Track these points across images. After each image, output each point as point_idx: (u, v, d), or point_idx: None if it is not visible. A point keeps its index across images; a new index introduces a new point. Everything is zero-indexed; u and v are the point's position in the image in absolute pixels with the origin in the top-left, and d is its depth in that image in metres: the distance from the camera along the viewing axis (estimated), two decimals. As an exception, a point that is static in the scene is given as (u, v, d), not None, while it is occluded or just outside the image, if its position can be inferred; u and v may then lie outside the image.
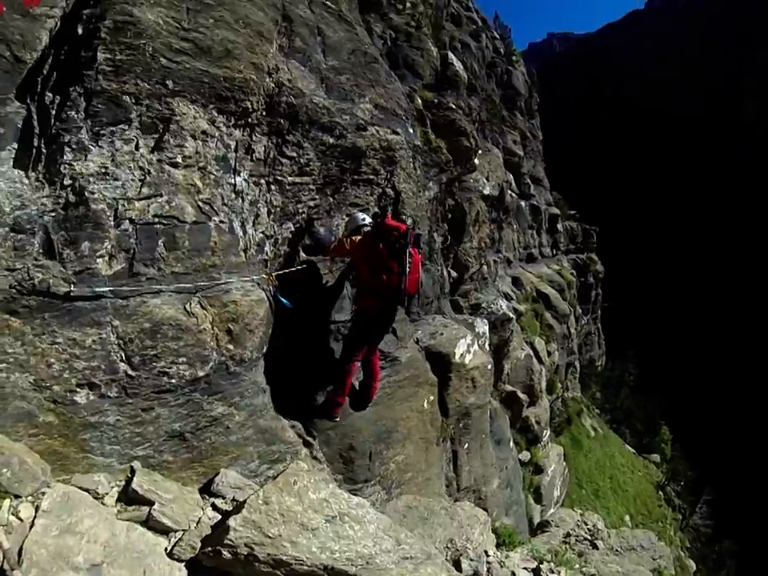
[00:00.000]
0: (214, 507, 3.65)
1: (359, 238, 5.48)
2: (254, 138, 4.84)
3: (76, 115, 3.52)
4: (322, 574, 3.23)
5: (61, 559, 2.66)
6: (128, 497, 3.40)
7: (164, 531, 3.27)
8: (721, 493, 36.13)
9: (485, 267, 15.91)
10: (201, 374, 4.06)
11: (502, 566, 4.81)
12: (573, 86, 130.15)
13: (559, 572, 4.94)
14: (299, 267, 5.60)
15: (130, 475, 3.56)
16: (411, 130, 7.71)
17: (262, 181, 5.04)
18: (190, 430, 4.01)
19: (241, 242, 4.75)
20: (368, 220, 5.77)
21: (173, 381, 3.89)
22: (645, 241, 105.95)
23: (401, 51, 11.26)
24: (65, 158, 3.48)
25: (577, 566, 5.48)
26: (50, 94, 3.50)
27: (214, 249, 4.35)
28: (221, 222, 4.46)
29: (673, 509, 30.57)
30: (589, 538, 8.63)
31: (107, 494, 3.39)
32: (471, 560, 4.75)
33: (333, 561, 3.25)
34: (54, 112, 3.48)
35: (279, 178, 5.21)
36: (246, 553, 3.07)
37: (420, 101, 9.06)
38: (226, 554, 3.05)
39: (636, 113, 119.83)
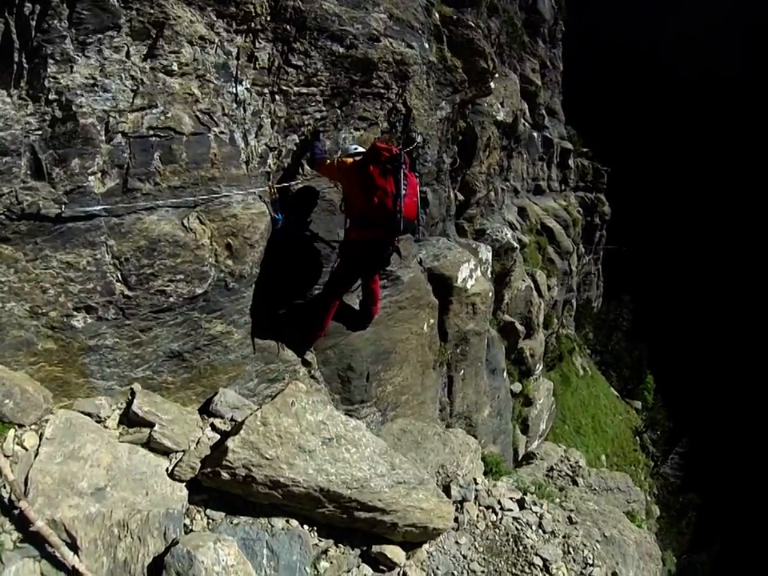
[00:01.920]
0: (213, 427, 3.68)
1: (350, 160, 5.04)
2: (257, 44, 4.46)
3: (59, 24, 3.17)
4: (318, 496, 3.29)
5: (66, 486, 2.70)
6: (129, 419, 3.42)
7: (165, 452, 3.31)
8: (694, 447, 37.74)
9: (492, 194, 15.57)
10: (199, 291, 3.97)
11: (489, 495, 4.95)
12: (604, 19, 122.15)
13: (542, 504, 5.10)
14: (299, 183, 5.38)
15: (130, 397, 3.57)
16: (427, 45, 7.23)
17: (266, 90, 4.72)
18: (188, 350, 3.98)
19: (242, 154, 4.51)
20: (360, 149, 5.36)
21: (171, 299, 3.81)
22: (656, 190, 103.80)
23: None
24: (48, 71, 3.17)
25: (558, 500, 5.68)
26: (29, 4, 3.11)
27: (214, 161, 4.12)
28: (221, 132, 4.20)
29: (646, 455, 32.10)
30: (570, 474, 8.96)
31: (109, 417, 3.41)
32: (461, 486, 4.87)
33: (329, 483, 3.32)
34: (34, 23, 3.12)
35: (284, 87, 4.88)
36: (244, 474, 3.11)
37: (438, 15, 8.38)
38: (224, 474, 3.10)
39: (667, 59, 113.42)
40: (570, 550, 4.60)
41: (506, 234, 15.26)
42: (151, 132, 3.67)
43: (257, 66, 4.53)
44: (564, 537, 4.73)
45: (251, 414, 3.41)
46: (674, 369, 62.85)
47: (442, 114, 8.01)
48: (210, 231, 4.06)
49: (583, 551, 4.64)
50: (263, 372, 4.67)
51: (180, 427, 3.49)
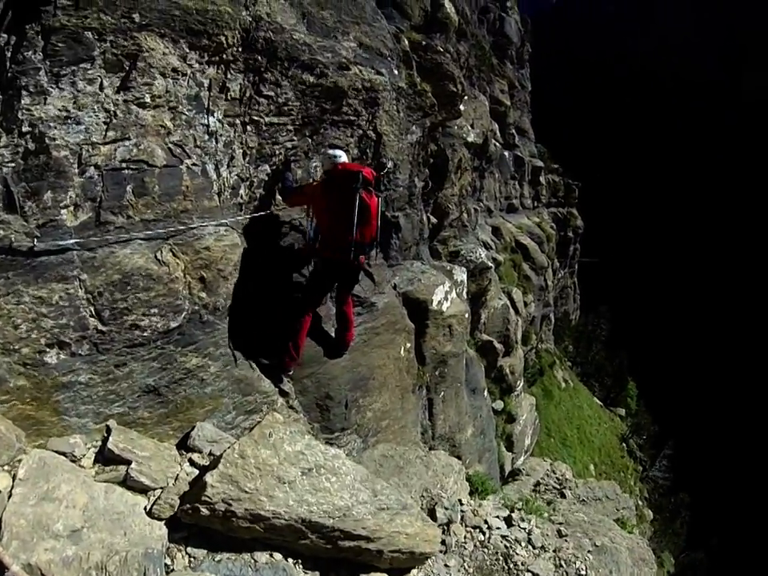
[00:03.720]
0: (191, 462, 3.62)
1: (316, 183, 5.28)
2: (228, 75, 4.51)
3: (33, 56, 3.19)
4: (300, 527, 3.24)
5: (41, 528, 2.61)
6: (105, 457, 3.34)
7: (142, 490, 3.23)
8: (680, 448, 38.38)
9: (465, 215, 15.75)
10: (173, 324, 3.94)
11: (475, 515, 4.92)
12: (568, 39, 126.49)
13: (530, 520, 5.08)
14: (266, 213, 5.38)
15: (105, 434, 3.49)
16: (396, 72, 7.38)
17: (237, 121, 4.76)
18: (164, 384, 3.93)
19: (214, 185, 4.53)
20: (343, 157, 5.39)
21: (145, 334, 3.77)
22: (626, 200, 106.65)
23: None
24: (22, 102, 3.17)
25: (546, 514, 5.65)
26: (5, 35, 3.14)
27: (186, 193, 4.14)
28: (193, 164, 4.22)
29: (634, 460, 32.43)
30: (558, 487, 8.97)
31: (84, 455, 3.33)
32: (446, 509, 4.83)
33: (310, 514, 3.26)
34: (9, 54, 3.14)
35: (256, 118, 4.93)
36: (223, 509, 3.05)
37: (407, 42, 8.61)
38: (204, 510, 3.03)
39: (630, 71, 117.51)
40: (562, 563, 4.57)
41: (480, 254, 15.42)
42: (124, 165, 3.67)
43: (228, 96, 4.57)
44: (555, 551, 4.71)
45: (229, 448, 3.36)
46: (655, 374, 63.90)
47: (413, 138, 8.14)
48: (184, 264, 4.05)
49: (575, 563, 4.61)
50: (241, 404, 4.61)
51: (157, 464, 3.42)
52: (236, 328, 4.70)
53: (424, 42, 9.17)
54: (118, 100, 3.62)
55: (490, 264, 16.35)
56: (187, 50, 4.06)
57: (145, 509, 3.12)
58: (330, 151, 5.50)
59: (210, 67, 4.32)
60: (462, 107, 10.72)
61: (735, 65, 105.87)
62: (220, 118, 4.51)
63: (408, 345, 7.52)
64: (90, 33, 3.38)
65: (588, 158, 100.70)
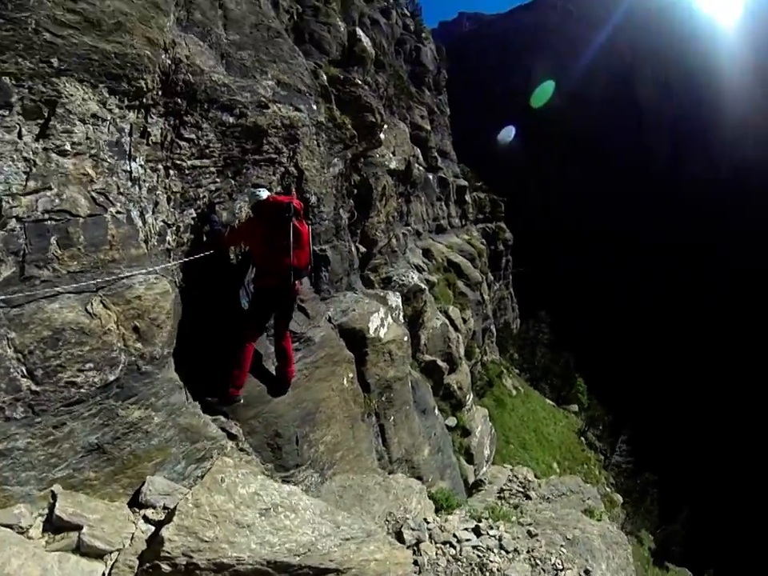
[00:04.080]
0: (146, 519, 3.44)
1: (247, 220, 5.49)
2: (149, 119, 4.48)
3: None
4: (267, 570, 3.15)
5: None
6: (54, 525, 3.12)
7: (98, 555, 3.04)
8: (636, 431, 40.57)
9: (393, 240, 16.11)
10: (111, 378, 3.76)
11: (442, 531, 4.95)
12: (481, 64, 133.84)
13: (498, 526, 5.16)
14: (203, 255, 5.37)
15: (52, 501, 3.26)
16: (315, 107, 7.56)
17: (160, 166, 4.72)
18: (108, 441, 3.73)
19: (141, 233, 4.43)
20: (266, 194, 5.60)
21: (82, 390, 3.57)
22: (551, 207, 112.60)
23: (307, 26, 10.96)
24: None
25: (514, 518, 5.76)
26: None
27: (112, 242, 4.01)
28: (117, 212, 4.11)
29: (595, 451, 33.76)
30: (521, 490, 9.18)
31: (31, 525, 3.09)
32: (412, 529, 4.84)
33: (274, 554, 3.18)
34: None
35: (178, 162, 4.91)
36: (185, 562, 2.92)
37: (325, 77, 8.88)
38: (165, 567, 2.89)
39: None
40: (537, 561, 4.67)
41: (412, 278, 15.79)
42: (46, 216, 3.52)
43: (150, 141, 4.53)
44: (528, 551, 4.80)
45: (182, 498, 3.24)
46: (601, 367, 67.12)
47: (335, 170, 8.32)
48: (116, 315, 3.90)
49: (550, 559, 4.72)
50: (190, 453, 4.44)
51: (110, 525, 3.24)
52: (178, 373, 4.58)
53: (342, 76, 9.48)
54: (37, 148, 3.51)
55: (424, 286, 16.74)
56: (107, 95, 3.99)
57: (103, 574, 2.94)
58: (254, 189, 5.71)
59: (131, 112, 4.27)
60: (382, 136, 11.08)
61: (629, 81, 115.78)
62: (142, 163, 4.45)
63: (350, 375, 7.57)
64: (7, 78, 3.28)
65: (510, 172, 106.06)
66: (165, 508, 3.57)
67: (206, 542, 3.01)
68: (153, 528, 3.30)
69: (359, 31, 12.22)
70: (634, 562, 6.00)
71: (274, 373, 5.99)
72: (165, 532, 2.96)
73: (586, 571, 4.72)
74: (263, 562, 3.13)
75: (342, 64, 10.51)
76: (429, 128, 28.20)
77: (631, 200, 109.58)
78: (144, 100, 4.35)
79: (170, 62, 4.54)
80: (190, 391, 4.76)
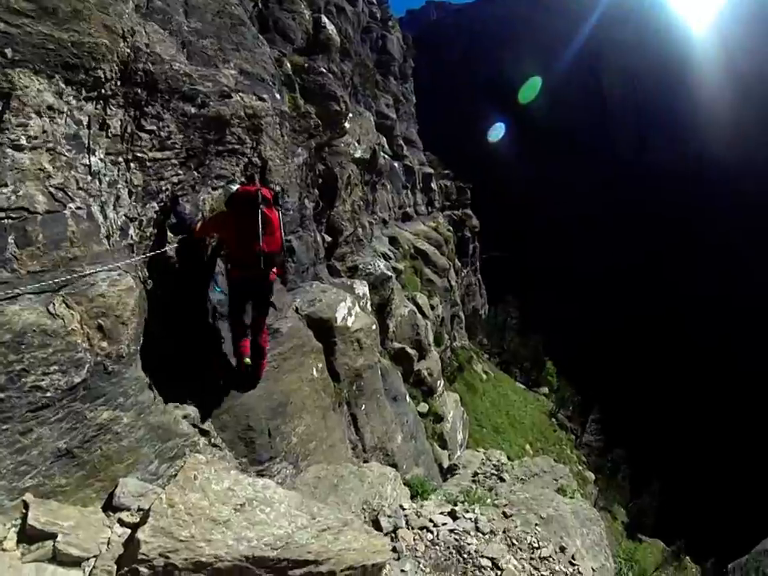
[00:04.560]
0: (121, 522, 3.37)
1: (219, 212, 5.50)
2: (108, 111, 4.31)
3: None
4: (246, 565, 3.14)
5: None
6: (28, 535, 3.02)
7: (75, 563, 2.96)
8: (605, 411, 41.95)
9: (359, 229, 16.09)
10: (77, 380, 3.65)
11: (419, 516, 5.00)
12: (448, 53, 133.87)
13: (474, 509, 5.24)
14: (172, 247, 5.35)
15: (24, 510, 3.14)
16: (278, 96, 7.45)
17: (120, 159, 4.56)
18: (77, 445, 3.62)
19: (102, 229, 4.28)
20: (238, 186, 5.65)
21: (48, 394, 3.45)
22: (518, 193, 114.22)
23: (272, 14, 10.69)
24: None
25: (489, 500, 5.86)
26: None
27: (73, 239, 3.86)
28: (77, 208, 3.96)
29: (566, 431, 34.92)
30: (495, 472, 9.37)
31: (5, 537, 2.99)
32: (389, 516, 4.89)
33: (252, 549, 3.16)
34: None
35: (139, 154, 4.76)
36: (163, 563, 2.88)
37: (289, 65, 8.74)
38: (143, 570, 2.84)
39: (510, 80, 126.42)
40: (514, 541, 4.76)
41: (379, 266, 15.86)
42: (3, 214, 3.37)
43: (109, 133, 4.37)
44: (504, 532, 4.89)
45: (156, 499, 3.19)
46: (569, 349, 68.93)
47: (299, 160, 8.24)
48: (79, 315, 3.77)
49: (526, 539, 4.82)
50: (162, 451, 4.38)
51: (85, 531, 3.15)
52: (147, 371, 4.50)
53: (306, 64, 9.35)
54: (-9, 144, 3.35)
55: (390, 274, 16.82)
56: (63, 86, 3.82)
57: None
58: (228, 185, 5.70)
59: (89, 103, 4.10)
60: (347, 125, 10.99)
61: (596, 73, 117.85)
62: (102, 156, 4.30)
63: (320, 365, 7.59)
64: (-41, 71, 3.11)
65: (477, 160, 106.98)
66: (139, 510, 3.50)
67: (183, 541, 2.98)
68: (129, 531, 3.24)
69: (324, 19, 12.01)
70: (607, 536, 6.21)
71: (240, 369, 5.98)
72: (140, 534, 2.92)
73: (562, 548, 4.83)
74: (241, 558, 3.12)
75: (306, 52, 10.35)
76: (394, 116, 28.22)
77: (595, 185, 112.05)
78: (102, 91, 4.19)
79: (129, 50, 4.37)
80: (159, 388, 4.68)
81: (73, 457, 3.60)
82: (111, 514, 3.49)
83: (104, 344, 3.95)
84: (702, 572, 29.85)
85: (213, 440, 5.24)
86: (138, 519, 3.31)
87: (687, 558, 31.09)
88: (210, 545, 3.04)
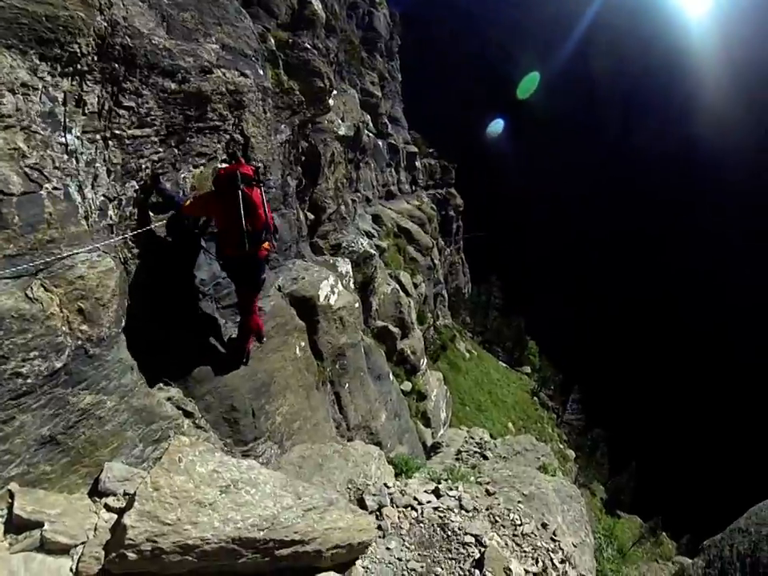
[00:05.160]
0: (108, 508, 3.36)
1: (206, 191, 5.50)
2: (84, 87, 4.14)
3: None
4: (233, 547, 3.17)
5: None
6: (15, 525, 3.00)
7: (63, 550, 2.95)
8: (586, 390, 42.82)
9: (342, 207, 16.02)
10: (58, 365, 3.59)
11: (403, 494, 5.06)
12: (437, 31, 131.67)
13: (457, 487, 5.33)
14: (158, 225, 5.29)
15: (10, 500, 3.12)
16: (261, 72, 7.28)
17: (98, 137, 4.41)
18: (61, 431, 3.58)
19: (80, 209, 4.17)
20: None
21: (29, 380, 3.38)
22: (501, 174, 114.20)
23: None
24: None
25: (472, 478, 5.96)
26: None
27: (50, 221, 3.75)
28: (54, 188, 3.83)
29: (547, 410, 35.71)
30: (478, 450, 9.56)
31: None
32: (373, 495, 4.93)
33: (238, 531, 3.18)
34: None
35: (117, 132, 4.61)
36: (150, 548, 2.89)
37: (273, 40, 8.54)
38: (131, 555, 2.84)
39: (499, 61, 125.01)
40: (497, 518, 4.85)
41: (362, 244, 15.83)
42: (-23, 197, 3.26)
43: (86, 111, 4.21)
44: (487, 509, 4.98)
45: (141, 483, 3.18)
46: (551, 328, 69.93)
47: (282, 137, 8.10)
48: (58, 298, 3.69)
49: (509, 516, 4.90)
50: (146, 435, 4.37)
51: (72, 518, 3.14)
52: (132, 354, 4.46)
53: (291, 40, 9.16)
54: (-37, 124, 3.21)
55: (374, 252, 16.81)
56: (38, 62, 3.66)
57: (71, 570, 2.88)
58: (217, 165, 5.78)
59: (64, 79, 3.94)
60: (331, 102, 10.83)
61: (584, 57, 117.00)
62: (79, 134, 4.15)
63: (302, 343, 7.61)
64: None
65: (461, 138, 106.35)
66: (125, 494, 3.49)
67: (169, 524, 2.98)
68: (115, 516, 3.23)
69: (310, -7, 11.71)
70: (587, 513, 6.37)
71: (226, 348, 6.03)
72: (127, 519, 2.91)
73: (543, 524, 4.94)
74: (228, 540, 3.14)
75: (291, 27, 10.11)
76: (379, 94, 27.84)
77: (580, 165, 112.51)
78: (78, 66, 4.02)
79: (106, 24, 4.19)
80: (142, 371, 4.65)
81: (57, 443, 3.57)
82: (97, 499, 3.48)
83: (84, 327, 3.88)
84: (678, 548, 30.88)
85: (197, 421, 5.24)
86: (124, 504, 3.30)
87: (664, 533, 32.19)
88: (196, 527, 3.05)
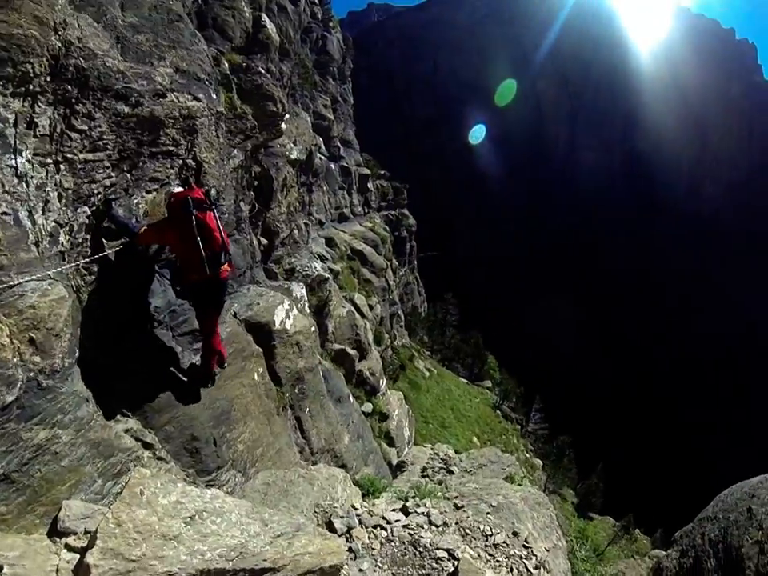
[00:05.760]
0: (69, 547, 3.19)
1: (159, 220, 5.42)
2: (36, 109, 4.03)
3: None
4: (202, 579, 3.06)
5: None
6: None
7: None
8: (548, 399, 43.64)
9: (296, 231, 16.02)
10: (10, 398, 3.42)
11: (372, 515, 5.04)
12: (388, 55, 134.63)
13: (425, 504, 5.34)
14: (112, 252, 5.14)
15: None
16: (215, 96, 7.28)
17: (49, 160, 4.29)
18: (14, 468, 3.40)
19: (30, 235, 4.03)
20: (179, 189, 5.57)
21: (-21, 416, 3.21)
22: (451, 193, 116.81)
23: (211, 11, 10.36)
24: None
25: (440, 493, 5.97)
26: None
27: None
28: (3, 213, 3.71)
29: (511, 422, 36.19)
30: (444, 466, 9.60)
31: None
32: (342, 517, 4.90)
33: (206, 562, 3.09)
34: None
35: (69, 155, 4.49)
36: (115, 586, 2.76)
37: (227, 64, 8.54)
38: (95, 595, 2.71)
39: (449, 84, 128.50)
40: (467, 531, 4.88)
41: (316, 267, 15.86)
42: None
43: (37, 133, 4.09)
44: (457, 523, 5.00)
45: (103, 519, 3.04)
46: (509, 343, 71.22)
47: (235, 162, 8.10)
48: (8, 328, 3.53)
49: (479, 527, 4.94)
50: (105, 469, 4.20)
51: (32, 560, 2.97)
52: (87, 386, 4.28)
53: (244, 64, 9.19)
54: None
55: (328, 275, 16.86)
56: (-12, 81, 3.56)
57: None
58: (171, 189, 5.69)
59: (16, 100, 3.83)
60: (283, 126, 10.89)
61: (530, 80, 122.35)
62: (29, 158, 4.02)
63: (261, 369, 7.56)
64: None
65: (412, 160, 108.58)
66: (86, 532, 3.33)
67: (134, 561, 2.87)
68: (77, 556, 3.07)
69: (264, 17, 11.80)
70: (559, 516, 6.47)
71: (190, 373, 5.93)
72: (89, 558, 2.77)
73: (514, 533, 4.99)
74: (196, 572, 3.03)
75: (245, 51, 10.15)
76: (332, 117, 28.17)
77: (531, 182, 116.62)
78: (31, 87, 3.92)
79: (60, 44, 4.11)
80: (98, 402, 4.47)
81: (11, 482, 3.39)
82: (57, 539, 3.30)
83: (36, 358, 3.73)
84: (653, 542, 31.59)
85: (157, 453, 5.09)
86: (86, 542, 3.15)
87: (637, 530, 32.94)
88: (162, 562, 2.95)
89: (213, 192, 6.93)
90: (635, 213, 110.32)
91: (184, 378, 5.86)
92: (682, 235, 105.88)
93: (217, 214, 5.48)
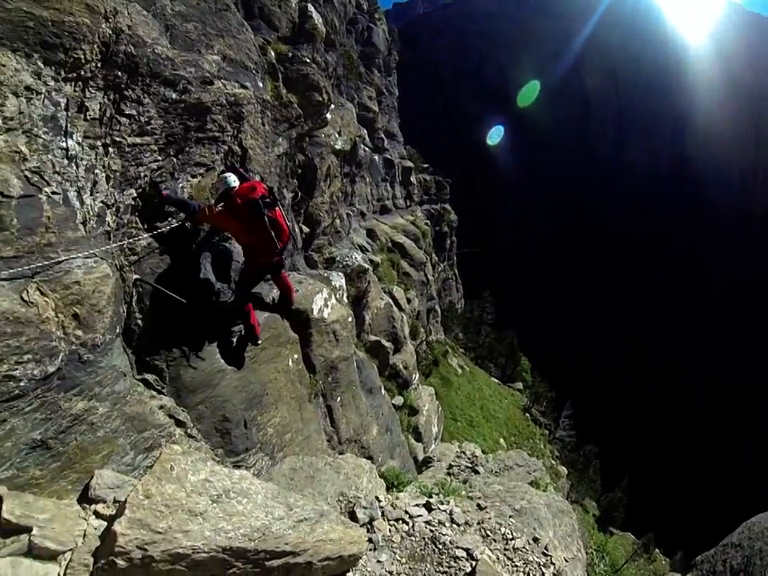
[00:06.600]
0: (97, 515, 3.30)
1: (220, 209, 5.47)
2: (87, 93, 4.18)
3: None
4: (223, 557, 3.13)
5: None
6: (3, 529, 2.94)
7: (51, 556, 2.90)
8: (578, 407, 42.59)
9: (337, 221, 16.05)
10: (51, 369, 3.56)
11: (394, 508, 5.04)
12: (434, 47, 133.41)
13: (449, 501, 5.32)
14: (169, 228, 5.33)
15: None
16: (261, 84, 7.35)
17: (99, 143, 4.44)
18: (52, 436, 3.55)
19: (78, 214, 4.19)
20: (236, 180, 5.68)
21: (22, 384, 3.36)
22: (494, 189, 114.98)
23: (258, 0, 10.50)
24: None
25: (463, 492, 5.94)
26: None
27: (48, 225, 3.76)
28: (53, 192, 3.86)
29: (539, 426, 35.48)
30: (470, 465, 9.53)
31: None
32: (365, 508, 4.91)
33: (229, 540, 3.15)
34: None
35: (117, 139, 4.64)
36: (140, 556, 2.84)
37: (273, 53, 8.62)
38: (120, 562, 2.80)
39: (495, 77, 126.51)
40: (488, 532, 4.83)
41: (356, 258, 15.80)
42: (-24, 198, 3.26)
43: (87, 117, 4.24)
44: (478, 523, 4.96)
45: (132, 490, 3.14)
46: (544, 346, 69.96)
47: (280, 150, 8.15)
48: (54, 302, 3.68)
49: (500, 530, 4.89)
50: (138, 442, 4.33)
51: (61, 524, 3.09)
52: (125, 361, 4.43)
53: (290, 53, 9.23)
54: (-35, 125, 3.23)
55: (367, 266, 16.78)
56: (42, 66, 3.70)
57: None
58: (225, 176, 5.76)
59: (67, 85, 3.97)
60: (328, 116, 10.92)
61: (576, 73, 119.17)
62: (80, 140, 4.17)
63: (296, 356, 7.59)
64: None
65: (456, 155, 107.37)
66: (116, 502, 3.45)
67: (160, 533, 2.94)
68: (105, 523, 3.19)
69: (311, 7, 11.85)
70: (579, 528, 6.34)
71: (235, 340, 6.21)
72: (117, 526, 2.87)
73: (535, 539, 4.93)
74: (218, 549, 3.10)
75: (291, 41, 10.22)
76: (376, 109, 28.05)
77: (578, 183, 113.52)
78: (82, 72, 4.06)
79: (110, 31, 4.24)
80: (135, 378, 4.62)
81: (48, 448, 3.53)
82: (87, 506, 3.43)
83: (79, 332, 3.88)
84: (672, 565, 30.64)
85: (189, 431, 5.19)
86: (115, 511, 3.26)
87: (657, 550, 31.97)
88: (187, 536, 3.02)
89: (272, 186, 7.15)
90: (684, 214, 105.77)
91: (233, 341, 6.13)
92: (731, 241, 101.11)
93: (282, 210, 5.85)
